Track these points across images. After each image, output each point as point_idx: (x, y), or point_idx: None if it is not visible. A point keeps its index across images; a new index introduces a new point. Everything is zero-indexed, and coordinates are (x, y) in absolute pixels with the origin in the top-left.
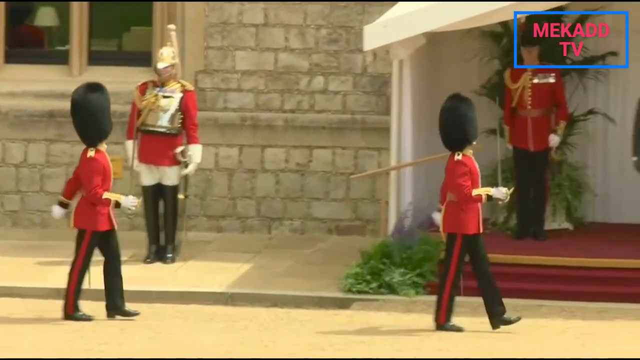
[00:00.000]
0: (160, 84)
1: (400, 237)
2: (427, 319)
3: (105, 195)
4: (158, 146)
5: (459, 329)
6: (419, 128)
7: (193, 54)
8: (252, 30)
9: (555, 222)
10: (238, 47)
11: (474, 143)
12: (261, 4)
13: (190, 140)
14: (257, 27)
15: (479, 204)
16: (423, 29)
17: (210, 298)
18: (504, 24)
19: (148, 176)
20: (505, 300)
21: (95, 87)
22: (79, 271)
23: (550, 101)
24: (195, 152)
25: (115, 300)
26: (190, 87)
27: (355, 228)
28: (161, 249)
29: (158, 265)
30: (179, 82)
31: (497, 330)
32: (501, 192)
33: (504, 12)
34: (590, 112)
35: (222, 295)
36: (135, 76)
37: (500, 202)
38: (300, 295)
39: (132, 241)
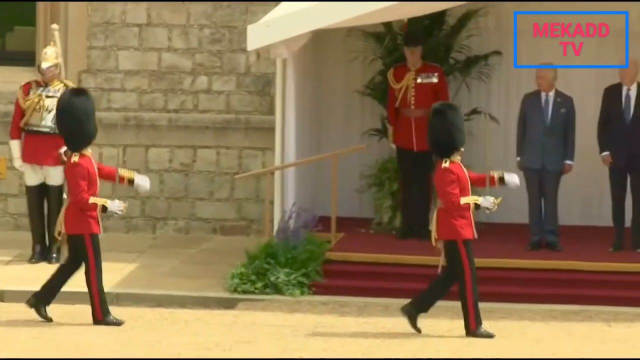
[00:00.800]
0: (44, 83)
1: (285, 237)
2: (313, 319)
3: (92, 199)
4: (42, 146)
5: (489, 335)
6: (303, 128)
7: (76, 54)
8: (135, 30)
9: None
10: (121, 47)
11: (462, 149)
12: (144, 4)
13: None
14: (140, 27)
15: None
16: (306, 29)
17: None
18: (387, 24)
19: (32, 176)
20: (387, 301)
21: (79, 92)
22: (95, 276)
23: (433, 101)
24: None
25: (45, 298)
26: (73, 86)
27: (240, 228)
28: (46, 249)
29: (43, 265)
30: (62, 82)
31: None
32: (489, 202)
33: (387, 13)
34: (474, 111)
35: (107, 295)
36: (18, 76)
37: (487, 212)
38: (185, 295)
39: (16, 241)
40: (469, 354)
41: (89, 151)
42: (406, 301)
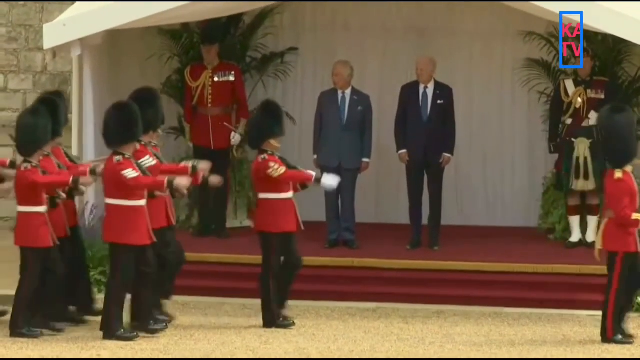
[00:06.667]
0: None
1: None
2: None
3: (634, 216)
4: None
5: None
6: (101, 125)
7: None
8: None
9: (237, 220)
10: None
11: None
12: None
13: None
14: None
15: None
16: (102, 27)
17: None
18: (184, 23)
19: None
20: (186, 299)
21: (621, 109)
22: (615, 294)
23: (230, 99)
24: None
25: None
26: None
27: None
28: None
29: None
30: None
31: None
32: None
33: (184, 13)
34: None
35: None
36: None
37: None
38: None
39: None
40: (265, 351)
41: (629, 167)
42: (205, 300)
